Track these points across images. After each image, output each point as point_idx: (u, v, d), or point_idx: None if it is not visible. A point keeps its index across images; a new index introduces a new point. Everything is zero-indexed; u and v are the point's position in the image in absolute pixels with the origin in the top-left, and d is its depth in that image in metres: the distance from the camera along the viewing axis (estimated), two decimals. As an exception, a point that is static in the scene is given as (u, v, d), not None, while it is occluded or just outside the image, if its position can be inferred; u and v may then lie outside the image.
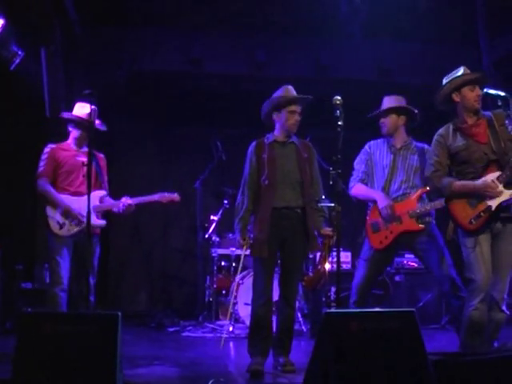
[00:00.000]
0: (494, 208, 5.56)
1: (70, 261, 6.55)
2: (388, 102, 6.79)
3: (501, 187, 5.56)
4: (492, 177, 5.59)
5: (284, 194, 6.29)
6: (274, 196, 6.28)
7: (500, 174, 5.57)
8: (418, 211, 6.34)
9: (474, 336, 5.58)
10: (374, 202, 6.58)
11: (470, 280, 5.62)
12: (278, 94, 6.47)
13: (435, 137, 5.93)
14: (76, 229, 6.57)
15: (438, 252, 6.26)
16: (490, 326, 5.60)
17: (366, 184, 6.75)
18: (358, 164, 6.83)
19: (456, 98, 5.81)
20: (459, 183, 5.70)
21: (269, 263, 6.27)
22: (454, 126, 5.85)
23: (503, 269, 5.61)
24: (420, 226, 6.36)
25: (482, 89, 5.76)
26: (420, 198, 6.44)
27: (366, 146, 6.87)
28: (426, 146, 6.45)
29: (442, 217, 6.22)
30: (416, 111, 6.71)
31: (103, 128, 6.84)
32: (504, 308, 5.59)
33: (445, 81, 5.94)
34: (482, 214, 5.57)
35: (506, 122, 5.62)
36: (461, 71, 5.86)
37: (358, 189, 6.74)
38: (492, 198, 5.56)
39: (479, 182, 5.61)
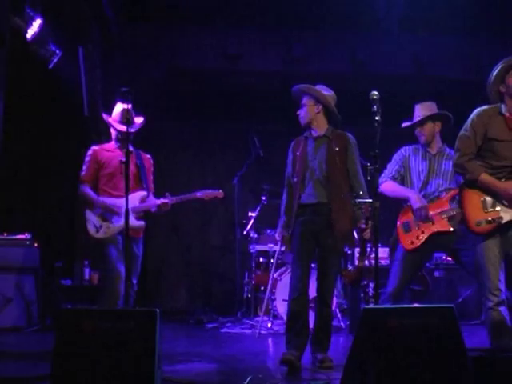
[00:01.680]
0: (504, 221, 5.39)
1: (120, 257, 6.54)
2: (422, 110, 6.70)
3: None
4: None
5: (312, 190, 6.33)
6: (302, 192, 6.33)
7: None
8: (450, 211, 6.29)
9: (500, 336, 5.47)
10: (406, 201, 6.53)
11: (482, 283, 5.54)
12: None
13: (479, 111, 5.63)
14: (112, 230, 6.60)
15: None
16: None
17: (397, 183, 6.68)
18: (392, 163, 6.76)
19: (502, 89, 5.56)
20: (488, 177, 5.45)
21: (302, 258, 6.28)
22: (501, 111, 5.58)
23: None
24: (452, 227, 6.29)
25: None
26: (453, 199, 6.37)
27: (402, 149, 6.79)
28: None
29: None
30: (450, 115, 6.63)
31: (140, 125, 6.82)
32: None
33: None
34: (491, 220, 5.39)
35: None
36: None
37: (389, 185, 6.66)
38: (507, 207, 5.39)
39: (506, 183, 5.42)
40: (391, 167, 6.74)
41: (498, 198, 5.43)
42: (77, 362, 4.08)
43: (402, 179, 6.69)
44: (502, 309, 5.45)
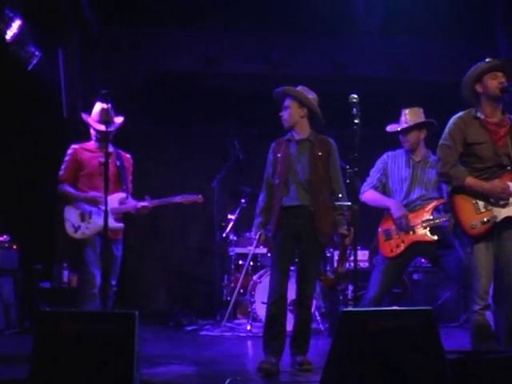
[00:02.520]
0: (498, 220, 5.42)
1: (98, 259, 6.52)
2: (409, 116, 6.70)
3: (511, 200, 5.43)
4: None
5: (294, 193, 6.33)
6: (284, 195, 6.34)
7: None
8: (431, 221, 6.34)
9: (482, 340, 5.49)
10: (388, 210, 6.55)
11: (470, 286, 5.55)
12: None
13: (455, 119, 5.69)
14: (91, 231, 6.56)
15: (456, 257, 6.19)
16: None
17: (380, 192, 6.70)
18: (374, 171, 6.78)
19: (479, 88, 5.61)
20: (473, 180, 5.49)
21: (281, 261, 6.30)
22: (476, 115, 5.63)
23: None
24: (432, 237, 6.33)
25: (507, 77, 5.54)
26: (435, 209, 6.42)
27: (384, 156, 6.82)
28: None
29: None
30: (436, 124, 6.63)
31: (119, 124, 6.79)
32: None
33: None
34: (485, 220, 5.41)
35: None
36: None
37: (370, 195, 6.68)
38: (500, 206, 5.42)
39: (496, 182, 5.45)
40: (373, 175, 6.76)
41: (488, 198, 5.47)
42: (55, 365, 4.06)
43: (383, 187, 6.71)
44: (487, 313, 5.47)
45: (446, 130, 5.71)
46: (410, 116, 6.69)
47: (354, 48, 10.41)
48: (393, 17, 9.70)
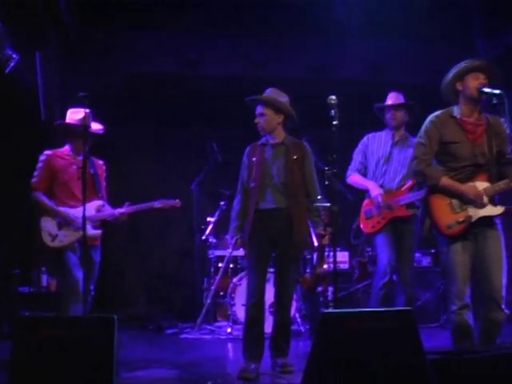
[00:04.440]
0: (473, 219, 5.45)
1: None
2: (397, 97, 7.20)
3: (486, 199, 5.47)
4: (480, 186, 5.50)
5: (269, 195, 6.37)
6: (260, 198, 6.37)
7: (488, 186, 5.48)
8: (409, 200, 6.82)
9: (461, 340, 5.51)
10: (367, 191, 7.07)
11: (448, 286, 5.60)
12: None
13: (432, 118, 5.74)
14: (69, 239, 6.53)
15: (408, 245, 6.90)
16: (490, 325, 5.51)
17: (363, 174, 7.21)
18: (356, 154, 7.30)
19: (459, 86, 5.65)
20: (448, 181, 5.54)
21: (258, 264, 6.33)
22: (452, 114, 5.68)
23: (495, 267, 5.48)
24: (409, 211, 6.84)
25: (488, 80, 5.60)
26: (411, 189, 6.86)
27: (365, 138, 7.31)
28: None
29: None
30: (417, 109, 7.14)
31: (100, 131, 6.77)
32: (503, 307, 5.46)
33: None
34: (461, 220, 5.45)
35: (502, 119, 5.55)
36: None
37: (353, 178, 7.24)
38: (475, 207, 5.46)
39: (468, 186, 5.50)
40: (355, 159, 7.29)
41: (464, 201, 5.49)
42: (34, 370, 4.04)
43: (365, 169, 7.25)
44: (466, 313, 5.49)
45: (423, 128, 5.75)
46: (398, 97, 7.21)
47: (332, 50, 10.41)
48: (371, 19, 9.70)
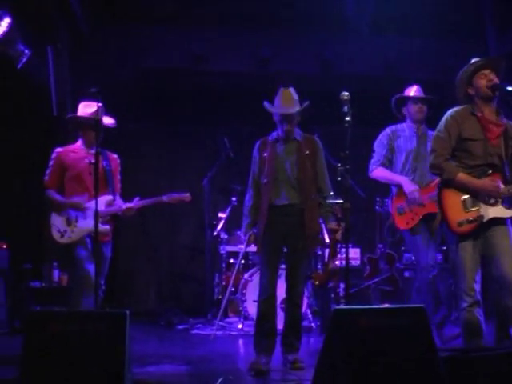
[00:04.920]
0: (485, 220, 5.40)
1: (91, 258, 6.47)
2: (421, 91, 7.16)
3: (499, 201, 5.44)
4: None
5: (283, 191, 6.35)
6: (273, 194, 6.34)
7: (502, 187, 5.43)
8: None
9: (472, 337, 5.49)
10: (399, 186, 6.93)
11: (456, 284, 5.57)
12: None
13: (452, 112, 5.67)
14: (77, 234, 6.52)
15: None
16: (504, 314, 5.44)
17: (387, 168, 7.09)
18: (379, 147, 7.15)
19: (471, 91, 5.60)
20: (465, 176, 5.47)
21: (271, 260, 6.33)
22: (473, 111, 5.61)
23: (504, 255, 5.41)
24: None
25: (497, 76, 5.56)
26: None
27: (388, 130, 7.17)
28: None
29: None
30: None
31: (111, 124, 6.77)
32: None
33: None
34: (472, 219, 5.40)
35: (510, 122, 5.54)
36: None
37: (380, 172, 7.11)
38: (488, 205, 5.41)
39: (486, 180, 5.44)
40: (379, 152, 7.14)
41: (478, 196, 5.45)
42: (45, 365, 4.04)
43: (390, 162, 7.12)
44: (477, 310, 5.46)
45: (443, 122, 5.69)
46: (422, 91, 7.17)
47: (343, 46, 10.40)
48: (382, 15, 9.69)
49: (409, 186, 6.83)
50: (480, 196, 5.44)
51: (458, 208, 5.48)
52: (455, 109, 5.70)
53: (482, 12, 10.06)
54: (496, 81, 5.53)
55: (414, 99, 7.11)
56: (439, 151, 5.59)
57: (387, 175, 7.07)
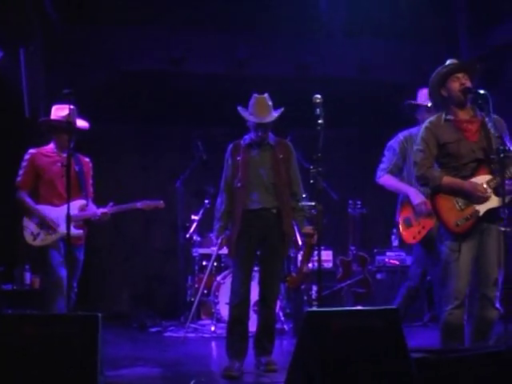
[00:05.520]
0: (481, 214, 5.41)
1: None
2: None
3: (490, 192, 5.41)
4: (482, 179, 5.44)
5: (257, 196, 6.36)
6: (247, 198, 6.34)
7: (491, 178, 5.43)
8: None
9: (451, 339, 5.51)
10: (406, 197, 6.70)
11: (445, 285, 5.55)
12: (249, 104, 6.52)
13: (426, 124, 5.70)
14: (50, 238, 6.49)
15: None
16: (483, 324, 5.49)
17: (395, 175, 6.87)
18: (391, 154, 6.96)
19: (444, 93, 5.61)
20: (449, 179, 5.50)
21: (245, 263, 6.32)
22: (446, 117, 5.64)
23: (492, 266, 5.45)
24: None
25: (472, 79, 5.59)
26: None
27: (400, 135, 6.97)
28: None
29: None
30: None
31: (85, 127, 6.73)
32: (497, 305, 5.45)
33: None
34: (469, 217, 5.40)
35: (486, 119, 5.56)
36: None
37: (387, 180, 6.90)
38: (480, 202, 5.42)
39: (469, 182, 5.44)
40: (389, 159, 6.94)
41: (469, 198, 5.47)
42: (17, 368, 4.02)
43: (399, 170, 6.90)
44: (460, 313, 5.47)
45: (419, 135, 5.73)
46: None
47: (317, 48, 10.41)
48: (356, 18, 9.73)
49: (416, 197, 6.58)
50: (468, 195, 5.47)
51: (453, 209, 5.49)
52: (429, 119, 5.75)
53: (455, 16, 10.14)
54: (468, 84, 5.56)
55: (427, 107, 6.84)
56: (421, 162, 5.62)
57: (394, 184, 6.88)
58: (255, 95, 6.47)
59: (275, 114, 6.40)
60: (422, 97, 6.83)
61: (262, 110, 6.39)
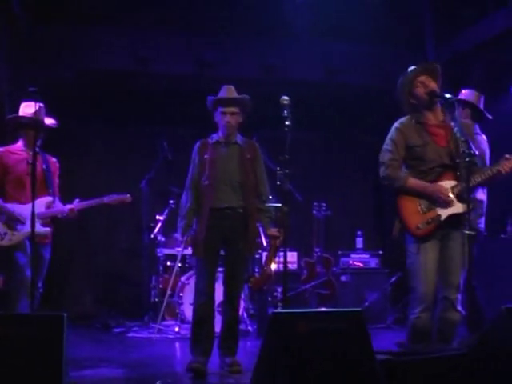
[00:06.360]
0: (443, 218, 5.46)
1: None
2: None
3: (453, 198, 5.45)
4: (447, 184, 5.49)
5: (224, 194, 6.33)
6: (214, 196, 6.30)
7: (455, 184, 5.48)
8: None
9: (418, 342, 5.53)
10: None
11: (413, 288, 5.58)
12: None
13: (396, 124, 5.75)
14: (17, 238, 6.45)
15: None
16: (446, 326, 5.54)
17: None
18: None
19: (413, 101, 5.67)
20: (414, 181, 5.54)
21: (210, 263, 6.31)
22: (416, 120, 5.69)
23: (455, 269, 5.51)
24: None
25: (436, 80, 5.64)
26: None
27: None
28: None
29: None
30: None
31: (53, 125, 6.69)
32: (459, 308, 5.50)
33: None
34: (430, 220, 5.44)
35: (452, 123, 5.61)
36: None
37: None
38: (443, 206, 5.46)
39: (433, 185, 5.49)
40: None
41: (432, 201, 5.50)
42: (-20, 369, 3.98)
43: None
44: (427, 316, 5.51)
45: (389, 135, 5.77)
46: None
47: (284, 51, 10.44)
48: (322, 20, 9.76)
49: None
50: (432, 197, 5.51)
51: (415, 212, 5.53)
52: (399, 120, 5.79)
53: (422, 20, 10.21)
54: (432, 86, 5.61)
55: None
56: (387, 162, 5.66)
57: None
58: (224, 85, 6.49)
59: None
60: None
61: (230, 93, 6.43)
